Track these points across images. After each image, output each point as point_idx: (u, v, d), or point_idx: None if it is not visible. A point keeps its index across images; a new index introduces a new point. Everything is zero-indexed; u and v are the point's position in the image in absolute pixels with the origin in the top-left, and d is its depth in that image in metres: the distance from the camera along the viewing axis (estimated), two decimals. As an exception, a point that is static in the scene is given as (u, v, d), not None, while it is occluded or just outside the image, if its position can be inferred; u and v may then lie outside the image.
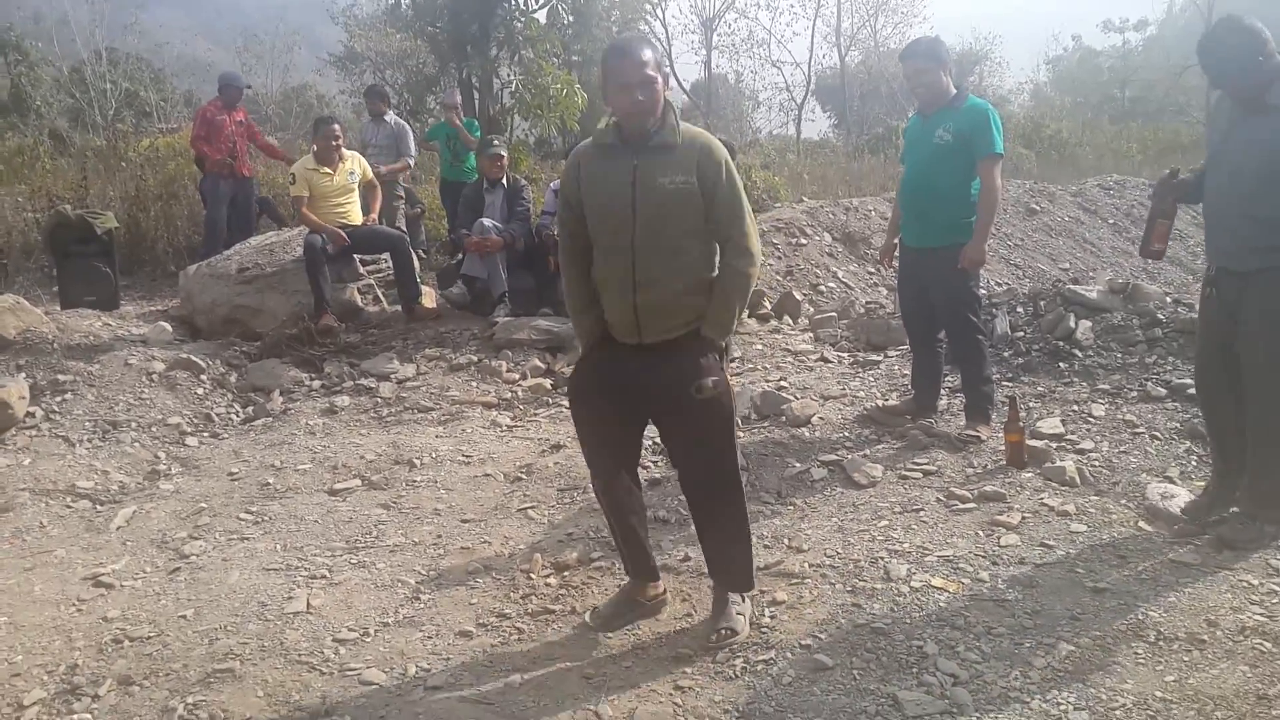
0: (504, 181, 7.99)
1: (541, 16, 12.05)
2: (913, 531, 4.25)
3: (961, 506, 4.46)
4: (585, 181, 3.35)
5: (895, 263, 5.61)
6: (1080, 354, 5.94)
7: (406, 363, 7.00)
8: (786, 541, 4.26)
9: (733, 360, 3.55)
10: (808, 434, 5.44)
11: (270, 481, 5.27)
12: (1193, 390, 5.30)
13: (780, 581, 3.89)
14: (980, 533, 4.20)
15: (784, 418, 5.58)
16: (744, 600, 3.58)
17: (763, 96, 30.62)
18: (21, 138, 18.57)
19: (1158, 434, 5.07)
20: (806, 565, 4.01)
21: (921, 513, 4.44)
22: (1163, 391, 5.43)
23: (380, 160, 9.61)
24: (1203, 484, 4.58)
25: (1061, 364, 5.93)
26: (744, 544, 3.55)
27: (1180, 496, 4.37)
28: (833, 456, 5.11)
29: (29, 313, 7.13)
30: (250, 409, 6.50)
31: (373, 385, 6.69)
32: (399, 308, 7.90)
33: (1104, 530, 4.17)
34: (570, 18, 12.52)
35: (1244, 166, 3.88)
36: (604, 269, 3.36)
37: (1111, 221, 15.44)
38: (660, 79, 3.22)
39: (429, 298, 8.13)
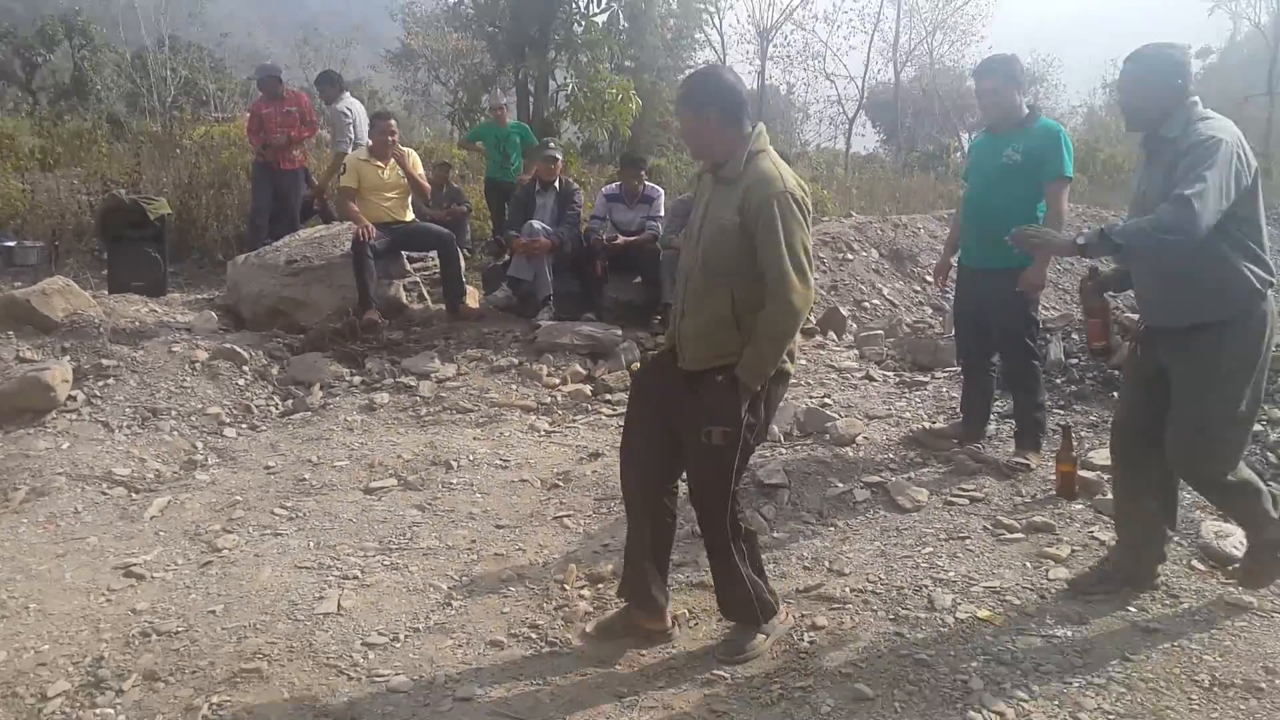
0: (556, 185, 7.94)
1: (600, 21, 12.05)
2: (958, 560, 4.14)
3: (1009, 536, 4.33)
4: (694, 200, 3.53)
5: (950, 282, 5.49)
6: (1136, 384, 5.76)
7: (447, 362, 6.96)
8: (827, 564, 4.16)
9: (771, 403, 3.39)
10: (851, 454, 5.32)
11: (306, 477, 5.23)
12: (1254, 428, 5.16)
13: (820, 606, 3.80)
14: (1028, 564, 4.08)
15: (828, 436, 5.47)
16: (765, 625, 3.50)
17: (814, 109, 30.40)
18: (80, 121, 18.83)
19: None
20: (848, 590, 3.91)
21: (967, 540, 4.32)
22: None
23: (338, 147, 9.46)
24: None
25: (1115, 393, 5.76)
26: (737, 585, 3.45)
27: (1235, 535, 4.21)
28: (877, 478, 4.99)
29: (78, 295, 7.18)
30: (290, 402, 6.48)
31: (413, 384, 6.65)
32: (443, 306, 7.86)
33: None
34: (625, 24, 12.45)
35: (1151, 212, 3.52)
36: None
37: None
38: (705, 119, 3.23)
39: (473, 298, 8.10)
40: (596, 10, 12.29)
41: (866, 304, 9.78)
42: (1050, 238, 3.69)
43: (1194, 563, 4.09)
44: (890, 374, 6.75)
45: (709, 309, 3.22)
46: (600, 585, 4.03)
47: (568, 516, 4.74)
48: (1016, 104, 5.02)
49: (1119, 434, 3.89)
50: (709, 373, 3.23)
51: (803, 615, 3.70)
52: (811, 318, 8.15)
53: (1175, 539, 4.27)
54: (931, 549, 4.25)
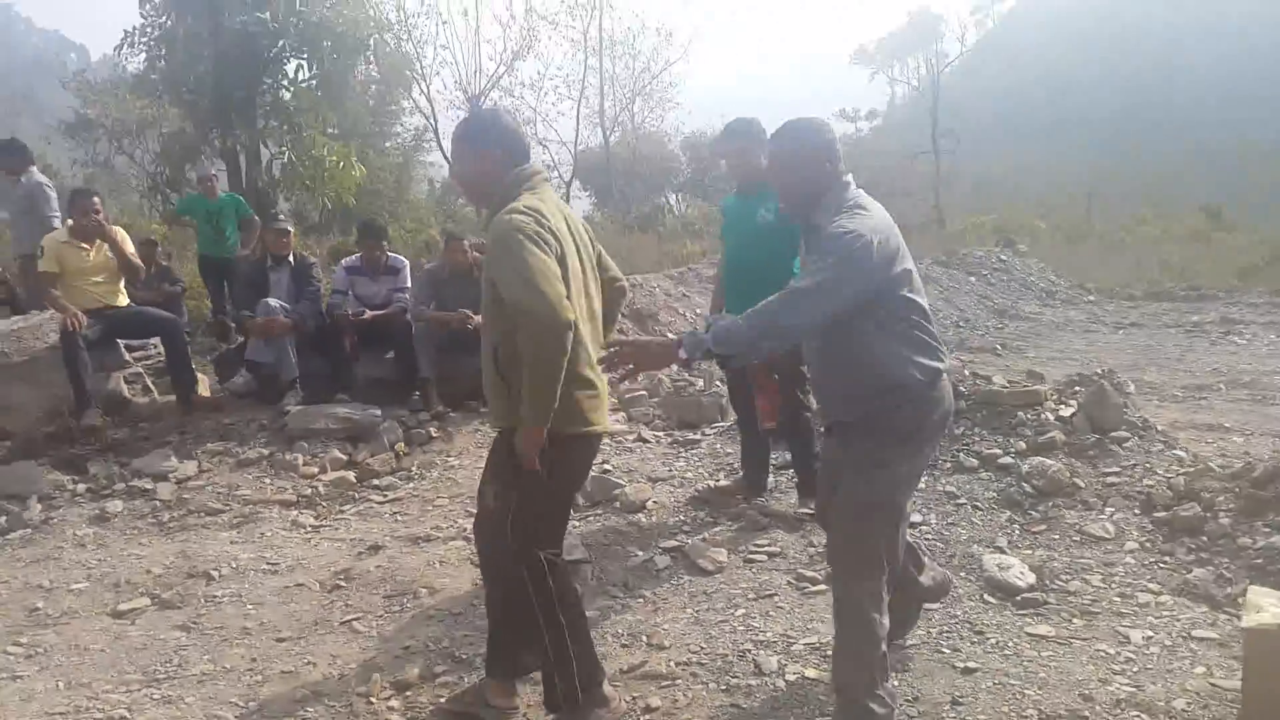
0: (290, 259, 7.43)
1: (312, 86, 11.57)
2: (772, 619, 4.13)
3: (813, 589, 4.38)
4: None
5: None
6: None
7: (186, 459, 6.30)
8: (645, 638, 4.03)
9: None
10: (644, 519, 5.24)
11: (39, 605, 4.53)
12: (1004, 459, 5.53)
13: (649, 685, 3.65)
14: (838, 616, 4.10)
15: (618, 503, 5.38)
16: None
17: (528, 174, 30.56)
18: None
19: (979, 504, 5.20)
20: (673, 664, 3.79)
21: (776, 598, 4.32)
22: (974, 462, 5.58)
23: (23, 225, 8.33)
24: (1028, 552, 4.72)
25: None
26: (544, 657, 3.23)
27: (1015, 567, 4.46)
28: (674, 542, 4.94)
29: None
30: (3, 519, 5.62)
31: (149, 486, 5.97)
32: (173, 398, 7.14)
33: (954, 606, 4.18)
34: (319, 92, 11.90)
35: None
36: None
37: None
38: (466, 156, 3.15)
39: (203, 386, 7.43)
40: (306, 75, 11.81)
41: (617, 365, 9.79)
42: (645, 348, 3.14)
43: (985, 596, 4.28)
44: (661, 434, 6.75)
45: (485, 368, 3.14)
46: (409, 693, 3.69)
47: (357, 620, 4.34)
48: (762, 165, 5.17)
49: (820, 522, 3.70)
50: (501, 437, 3.20)
51: (634, 698, 3.53)
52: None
53: (961, 574, 4.48)
54: (744, 610, 4.22)
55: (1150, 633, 3.87)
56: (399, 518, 5.62)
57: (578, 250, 3.15)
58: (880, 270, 2.92)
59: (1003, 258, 19.67)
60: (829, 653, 3.76)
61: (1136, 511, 4.98)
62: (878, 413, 3.08)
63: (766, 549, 4.80)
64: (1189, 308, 15.85)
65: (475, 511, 3.51)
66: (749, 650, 3.86)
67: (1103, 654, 3.72)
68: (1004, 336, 13.55)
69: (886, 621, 3.09)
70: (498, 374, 3.04)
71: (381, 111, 25.44)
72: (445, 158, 26.58)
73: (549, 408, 2.89)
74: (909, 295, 3.04)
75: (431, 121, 25.45)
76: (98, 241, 7.00)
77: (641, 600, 4.41)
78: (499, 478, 3.17)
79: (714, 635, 4.02)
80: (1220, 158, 65.10)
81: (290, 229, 7.57)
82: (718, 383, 7.22)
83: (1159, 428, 5.91)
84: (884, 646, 3.06)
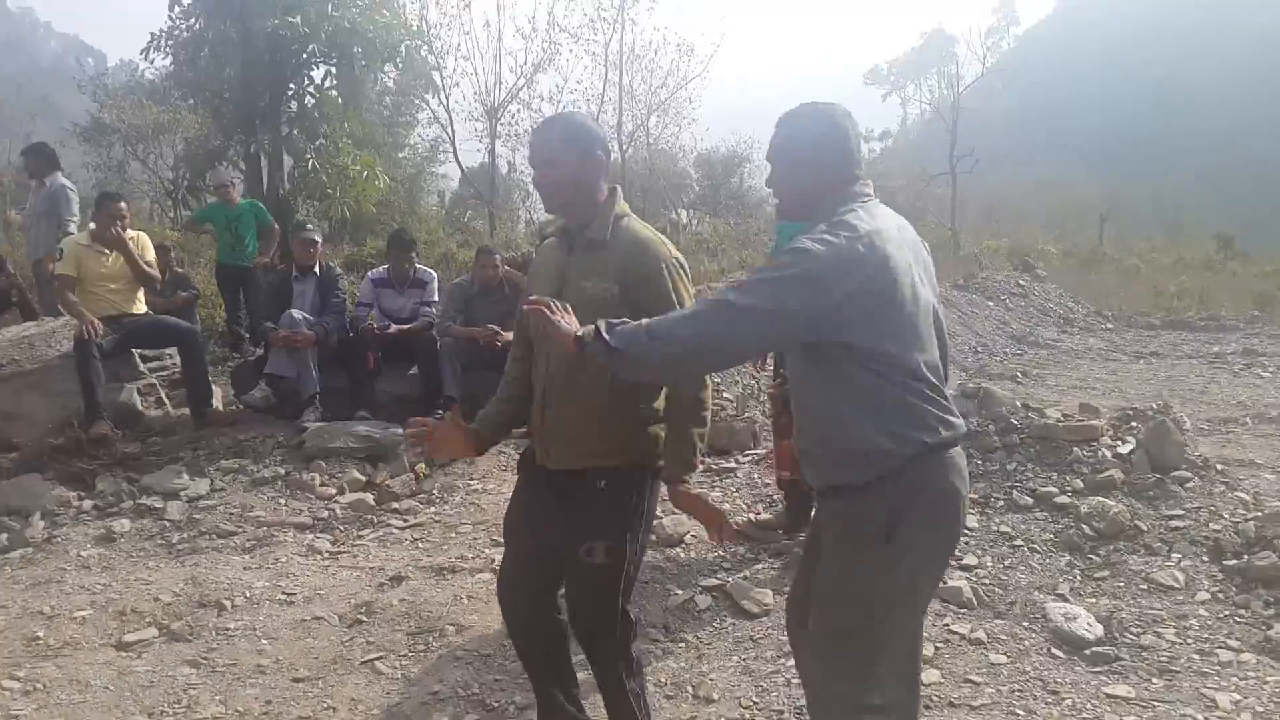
0: (316, 269, 7.18)
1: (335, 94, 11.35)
2: (828, 671, 3.83)
3: (869, 638, 4.08)
4: (531, 271, 3.04)
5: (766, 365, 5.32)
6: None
7: (198, 477, 6.02)
8: (691, 690, 3.75)
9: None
10: (683, 554, 4.97)
11: (40, 634, 4.24)
12: (1060, 498, 5.25)
13: (699, 744, 3.36)
14: (899, 670, 3.82)
15: (655, 537, 5.08)
16: None
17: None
18: None
19: (1036, 546, 4.93)
20: (725, 721, 3.50)
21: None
22: (1029, 500, 5.30)
23: (42, 227, 8.45)
24: (1092, 600, 4.44)
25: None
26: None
27: (1081, 617, 4.18)
28: (714, 581, 4.66)
29: None
30: (4, 537, 5.34)
31: (158, 505, 5.69)
32: (187, 411, 6.88)
33: (1023, 660, 3.92)
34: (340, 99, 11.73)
35: None
36: (534, 367, 2.93)
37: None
38: (586, 168, 2.76)
39: (218, 399, 7.16)
40: (331, 82, 11.60)
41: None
42: (557, 322, 2.47)
43: (1053, 650, 4.00)
44: (694, 461, 6.46)
45: (581, 397, 2.73)
46: (439, 745, 3.41)
47: (379, 659, 4.06)
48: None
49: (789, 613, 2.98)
50: (585, 475, 2.74)
51: (683, 758, 3.26)
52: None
53: (1024, 624, 4.20)
54: (795, 660, 3.93)
55: (1238, 696, 3.59)
56: (420, 545, 5.34)
57: None
58: (839, 308, 2.22)
59: (1021, 282, 19.39)
60: (893, 712, 3.50)
61: (1205, 559, 4.70)
62: (845, 489, 2.41)
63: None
64: (1209, 337, 15.56)
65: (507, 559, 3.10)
66: (805, 708, 3.57)
67: (1188, 717, 3.44)
68: (1024, 364, 13.26)
69: None
70: (610, 403, 2.70)
71: (395, 122, 25.24)
72: (460, 167, 26.43)
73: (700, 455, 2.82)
74: (891, 350, 2.29)
75: (449, 132, 25.24)
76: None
77: (684, 645, 4.13)
78: (606, 530, 2.75)
79: (765, 688, 3.74)
80: (1231, 182, 64.99)
81: (318, 239, 7.31)
82: (759, 406, 6.96)
83: (1219, 467, 5.62)
84: None
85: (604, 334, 2.30)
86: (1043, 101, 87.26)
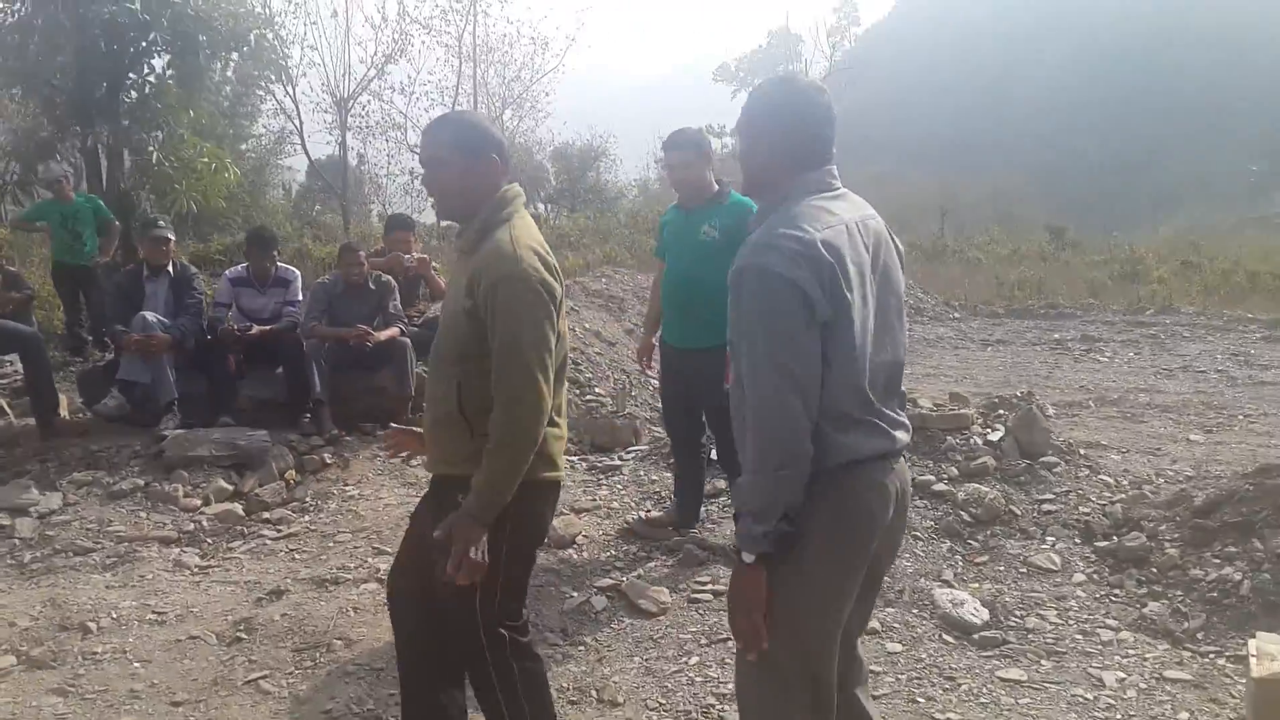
0: (169, 269, 6.80)
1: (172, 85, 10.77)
2: (729, 667, 3.81)
3: (765, 632, 4.11)
4: None
5: (654, 363, 5.30)
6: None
7: (49, 491, 5.62)
8: (595, 694, 3.70)
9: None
10: (575, 555, 4.91)
11: (-125, 669, 3.90)
12: (937, 485, 5.40)
13: (609, 749, 3.32)
14: (797, 662, 3.86)
15: (547, 541, 5.00)
16: None
17: (401, 181, 29.73)
18: None
19: (918, 534, 5.04)
20: (631, 724, 3.47)
21: (729, 643, 4.01)
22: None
23: None
24: (975, 585, 4.58)
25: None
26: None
27: (968, 603, 4.31)
28: (609, 581, 4.61)
29: None
30: None
31: (6, 522, 5.29)
32: (31, 421, 6.42)
33: (917, 648, 4.01)
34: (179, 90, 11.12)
35: None
36: None
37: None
38: (456, 162, 2.61)
39: (63, 406, 6.71)
40: (169, 71, 11.01)
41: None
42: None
43: (944, 636, 4.11)
44: (576, 459, 6.39)
45: (438, 404, 2.65)
46: (335, 764, 3.27)
47: (264, 678, 3.86)
48: (709, 179, 4.92)
49: None
50: (447, 484, 2.63)
51: (596, 765, 3.21)
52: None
53: (914, 611, 4.31)
54: (698, 658, 3.95)
55: (1122, 674, 3.76)
56: (297, 556, 5.12)
57: None
58: (812, 329, 2.09)
59: (873, 275, 19.92)
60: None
61: (1078, 540, 4.91)
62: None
63: (710, 587, 4.52)
64: (1049, 325, 16.32)
65: (393, 559, 3.05)
66: (713, 705, 3.58)
67: (1081, 699, 3.58)
68: (877, 352, 13.60)
69: None
70: (460, 414, 2.57)
71: (236, 112, 24.25)
72: (308, 158, 25.61)
73: (512, 485, 2.49)
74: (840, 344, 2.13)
75: (297, 123, 24.38)
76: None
77: (583, 648, 4.07)
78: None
79: (670, 688, 3.72)
80: (1059, 176, 68.57)
81: (171, 236, 6.90)
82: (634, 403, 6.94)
83: (1082, 451, 5.89)
84: None
85: (744, 559, 2.14)
86: (881, 100, 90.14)
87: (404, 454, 3.03)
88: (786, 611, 2.17)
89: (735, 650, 2.31)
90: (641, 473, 6.03)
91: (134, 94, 10.33)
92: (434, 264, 8.03)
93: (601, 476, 6.04)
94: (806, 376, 2.07)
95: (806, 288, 2.05)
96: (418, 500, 3.07)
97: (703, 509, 5.30)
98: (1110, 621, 4.19)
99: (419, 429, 2.88)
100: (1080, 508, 5.16)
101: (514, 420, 2.44)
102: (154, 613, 4.42)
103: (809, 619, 2.21)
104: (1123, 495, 5.24)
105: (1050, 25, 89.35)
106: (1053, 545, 4.87)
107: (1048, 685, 3.67)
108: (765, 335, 2.07)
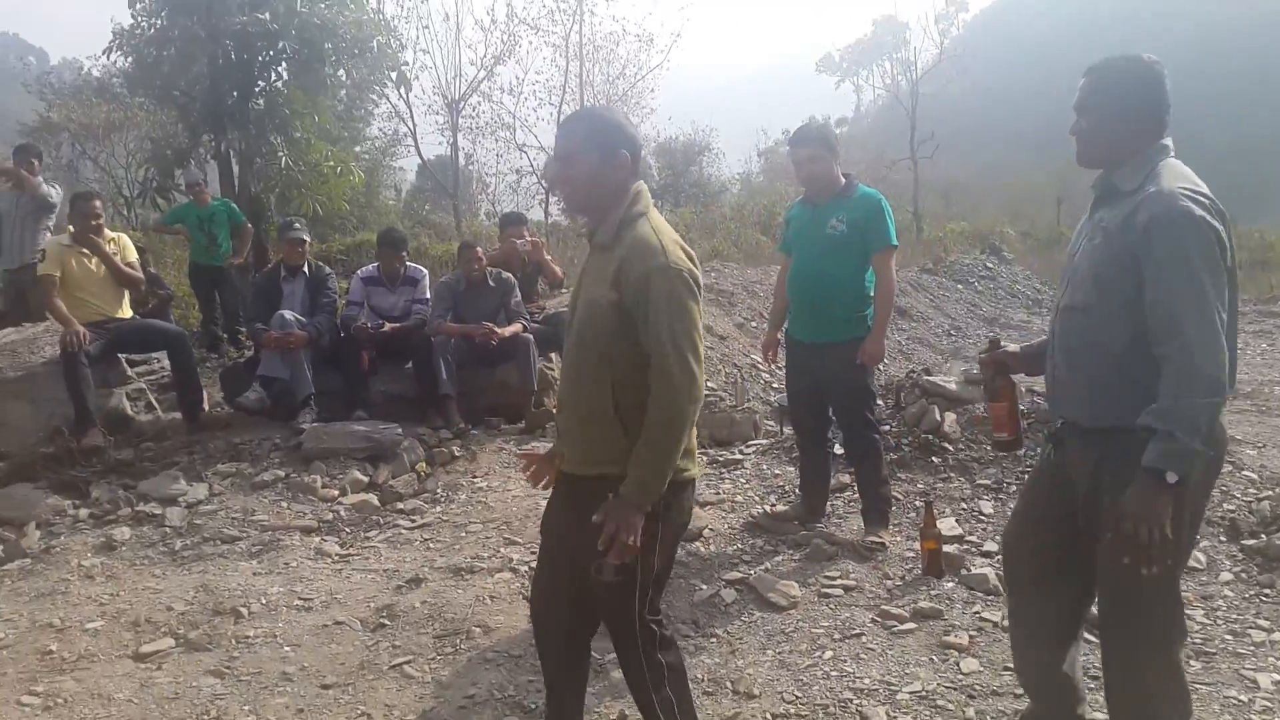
0: (305, 269, 7.06)
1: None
2: (864, 662, 3.83)
3: (901, 628, 4.09)
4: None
5: (779, 357, 5.30)
6: (951, 448, 5.79)
7: (196, 482, 5.90)
8: (730, 686, 3.72)
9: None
10: (703, 549, 4.93)
11: (53, 648, 4.11)
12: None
13: (751, 742, 3.33)
14: (935, 658, 3.84)
15: (676, 534, 5.05)
16: None
17: (509, 180, 30.18)
18: None
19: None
20: (769, 716, 3.48)
21: (863, 638, 4.03)
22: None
23: (23, 230, 8.19)
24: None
25: (934, 459, 5.76)
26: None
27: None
28: (737, 574, 4.63)
29: None
30: (0, 548, 5.20)
31: (158, 511, 5.56)
32: (178, 415, 6.73)
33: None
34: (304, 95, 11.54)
35: (1077, 275, 2.72)
36: None
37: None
38: (588, 158, 2.64)
39: (205, 401, 7.02)
40: (296, 79, 11.41)
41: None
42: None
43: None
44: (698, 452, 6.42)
45: (586, 403, 2.66)
46: (482, 750, 3.36)
47: (408, 663, 3.98)
48: (835, 173, 4.90)
49: (1010, 556, 3.04)
50: (594, 485, 2.62)
51: (732, 756, 3.23)
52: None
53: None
54: (831, 652, 3.92)
55: (1278, 676, 3.62)
56: (432, 545, 5.26)
57: None
58: (1224, 276, 2.45)
59: (989, 265, 19.54)
60: (938, 702, 3.50)
61: (1223, 539, 4.75)
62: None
63: (840, 582, 4.50)
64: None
65: (531, 580, 3.08)
66: (850, 700, 3.56)
67: (1235, 701, 3.46)
68: (998, 346, 13.33)
69: None
70: (616, 415, 2.59)
71: (351, 116, 24.91)
72: (420, 158, 26.14)
73: (667, 478, 2.53)
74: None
75: (410, 125, 24.98)
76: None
77: (715, 640, 4.09)
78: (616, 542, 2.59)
79: (805, 681, 3.71)
80: (1193, 158, 65.99)
81: (306, 238, 7.19)
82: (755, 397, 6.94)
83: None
84: None
85: (1168, 478, 2.35)
86: (991, 88, 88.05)
87: (544, 482, 2.96)
88: (1181, 531, 2.44)
89: (1119, 570, 2.47)
90: (764, 467, 6.03)
91: (261, 101, 10.72)
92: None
93: (724, 470, 6.06)
94: (1224, 315, 2.41)
95: (1225, 239, 2.42)
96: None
97: (829, 503, 5.28)
98: (1262, 622, 4.04)
99: (543, 447, 2.90)
100: (1225, 504, 4.99)
101: (675, 409, 2.48)
102: (300, 599, 4.59)
103: (1189, 543, 2.60)
104: (1269, 492, 5.04)
105: (1169, 6, 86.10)
106: (1198, 543, 4.71)
107: (1199, 686, 3.55)
108: (1210, 276, 2.38)
